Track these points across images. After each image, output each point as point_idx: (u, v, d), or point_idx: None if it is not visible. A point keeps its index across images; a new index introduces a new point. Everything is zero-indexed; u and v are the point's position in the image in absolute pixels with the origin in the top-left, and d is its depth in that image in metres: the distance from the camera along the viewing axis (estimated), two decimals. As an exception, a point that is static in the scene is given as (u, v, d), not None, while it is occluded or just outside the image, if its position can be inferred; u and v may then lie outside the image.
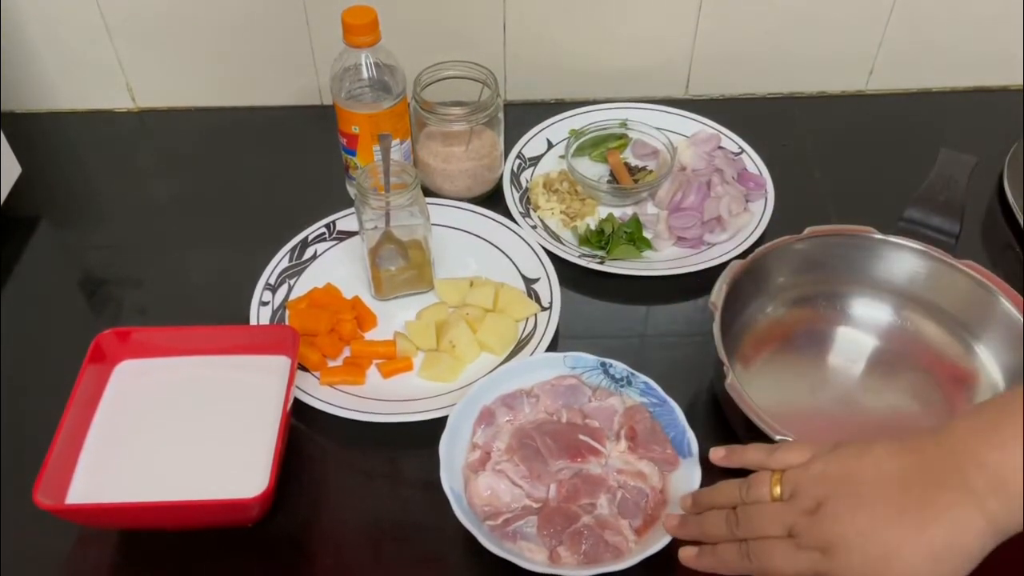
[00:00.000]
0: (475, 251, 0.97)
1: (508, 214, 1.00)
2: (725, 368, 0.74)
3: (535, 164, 1.07)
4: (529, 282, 0.93)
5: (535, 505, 0.73)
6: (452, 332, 0.86)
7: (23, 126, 1.13)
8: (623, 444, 0.76)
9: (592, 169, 1.06)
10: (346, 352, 0.88)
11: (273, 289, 0.92)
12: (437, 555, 0.74)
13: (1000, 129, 1.09)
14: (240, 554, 0.73)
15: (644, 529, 0.71)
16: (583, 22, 1.10)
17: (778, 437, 0.69)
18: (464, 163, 1.00)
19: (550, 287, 0.91)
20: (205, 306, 0.93)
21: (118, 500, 0.71)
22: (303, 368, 0.85)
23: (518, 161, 1.07)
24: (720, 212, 0.98)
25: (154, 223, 1.03)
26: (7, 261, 0.97)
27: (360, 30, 0.88)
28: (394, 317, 0.91)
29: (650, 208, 1.02)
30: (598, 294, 0.94)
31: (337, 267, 0.95)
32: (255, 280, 0.92)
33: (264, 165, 1.09)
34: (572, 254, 0.96)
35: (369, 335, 0.90)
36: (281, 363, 0.81)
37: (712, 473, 0.74)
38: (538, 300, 0.91)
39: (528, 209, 1.02)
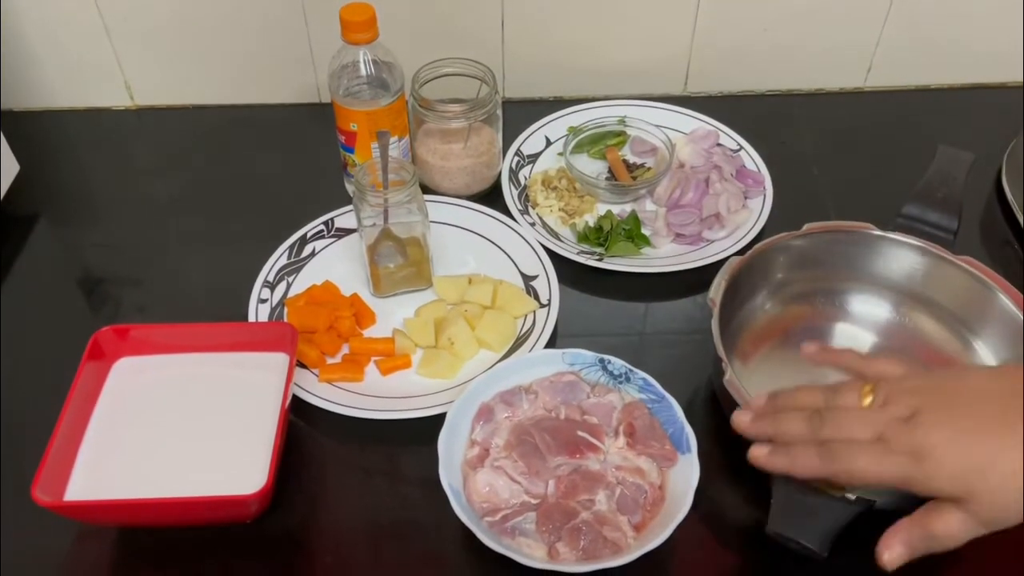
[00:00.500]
0: (474, 248, 0.97)
1: (507, 211, 1.00)
2: (723, 364, 0.74)
3: (533, 161, 1.07)
4: (528, 279, 0.93)
5: (534, 501, 0.73)
6: (451, 329, 0.86)
7: (22, 124, 1.13)
8: (622, 440, 0.76)
9: (591, 166, 1.06)
10: (345, 349, 0.88)
11: (271, 286, 0.92)
12: (436, 552, 0.74)
13: (998, 126, 1.09)
14: (239, 551, 0.73)
15: (643, 525, 0.71)
16: (582, 19, 1.10)
17: (776, 433, 0.69)
18: (462, 160, 1.00)
19: (549, 284, 0.91)
20: (204, 304, 0.93)
21: (116, 497, 0.71)
22: (302, 365, 0.85)
23: (517, 158, 1.07)
24: (719, 209, 0.98)
25: (153, 221, 1.03)
26: (6, 259, 0.97)
27: (358, 27, 0.88)
28: (393, 314, 0.91)
29: (649, 205, 1.02)
30: (597, 291, 0.94)
31: (336, 264, 0.95)
32: (253, 277, 0.92)
33: (262, 162, 1.09)
34: (571, 251, 0.96)
35: (368, 332, 0.90)
36: (280, 360, 0.81)
37: (712, 469, 0.75)
38: (537, 297, 0.91)
39: (527, 206, 1.02)
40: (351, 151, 0.97)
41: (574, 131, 1.06)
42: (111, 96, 1.16)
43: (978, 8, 1.11)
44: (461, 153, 1.00)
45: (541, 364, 0.81)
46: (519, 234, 0.97)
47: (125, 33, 1.10)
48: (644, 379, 0.79)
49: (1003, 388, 0.56)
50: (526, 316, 0.90)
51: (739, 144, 1.07)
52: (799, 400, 0.62)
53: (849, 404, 0.60)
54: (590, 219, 1.00)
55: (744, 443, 0.76)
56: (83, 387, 0.77)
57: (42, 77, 1.13)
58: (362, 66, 0.92)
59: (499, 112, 1.00)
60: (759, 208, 1.00)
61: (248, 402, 0.78)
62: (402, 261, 0.90)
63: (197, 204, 1.05)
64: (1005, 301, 0.80)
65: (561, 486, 0.73)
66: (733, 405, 0.73)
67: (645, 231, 0.99)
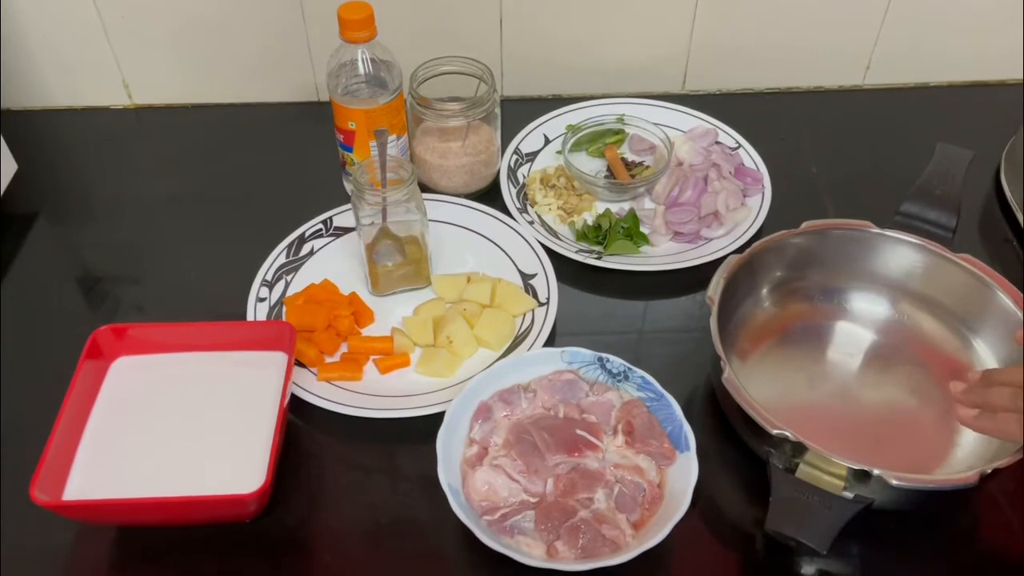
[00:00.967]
0: (472, 247, 0.97)
1: (505, 210, 1.00)
2: (722, 363, 0.74)
3: (532, 160, 1.07)
4: (526, 278, 0.93)
5: (532, 500, 0.73)
6: (449, 328, 0.86)
7: (20, 123, 1.13)
8: (620, 439, 0.76)
9: (589, 164, 1.06)
10: (343, 348, 0.88)
11: (270, 285, 0.92)
12: (435, 550, 0.74)
13: (997, 123, 1.09)
14: (238, 549, 0.73)
15: (642, 523, 0.71)
16: (580, 17, 1.10)
17: (775, 431, 0.69)
18: (461, 159, 1.00)
19: (547, 282, 0.91)
20: (202, 302, 0.93)
21: (115, 496, 0.71)
22: (300, 364, 0.85)
23: (515, 157, 1.07)
24: (717, 207, 0.98)
25: (151, 220, 1.03)
26: (4, 258, 0.97)
27: (356, 25, 0.88)
28: (391, 313, 0.91)
29: (647, 203, 1.02)
30: (595, 289, 0.94)
31: (334, 263, 0.95)
32: (252, 276, 0.92)
33: (261, 161, 1.09)
34: (569, 249, 0.95)
35: (366, 331, 0.90)
36: (278, 359, 0.81)
37: (711, 467, 0.75)
38: (535, 296, 0.91)
39: (525, 205, 1.02)
40: (349, 150, 0.97)
41: (573, 129, 1.06)
42: (109, 95, 1.15)
43: (976, 6, 1.11)
44: (459, 151, 0.99)
45: (540, 363, 0.81)
46: (518, 232, 0.97)
47: (123, 32, 1.09)
48: (643, 377, 0.79)
49: None
50: (525, 315, 0.90)
51: (737, 142, 1.07)
52: (1010, 377, 0.68)
53: None
54: (589, 217, 1.00)
55: (742, 444, 0.77)
56: (81, 386, 0.77)
57: (40, 76, 1.13)
58: (360, 64, 0.92)
59: (497, 110, 1.00)
60: (758, 206, 1.00)
61: (247, 401, 0.78)
62: (401, 260, 0.90)
63: (195, 203, 1.05)
64: (1004, 299, 0.80)
65: (560, 484, 0.73)
66: (732, 403, 0.73)
67: (644, 229, 0.99)
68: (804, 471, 0.70)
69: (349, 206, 0.96)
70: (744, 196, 1.01)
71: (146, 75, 1.14)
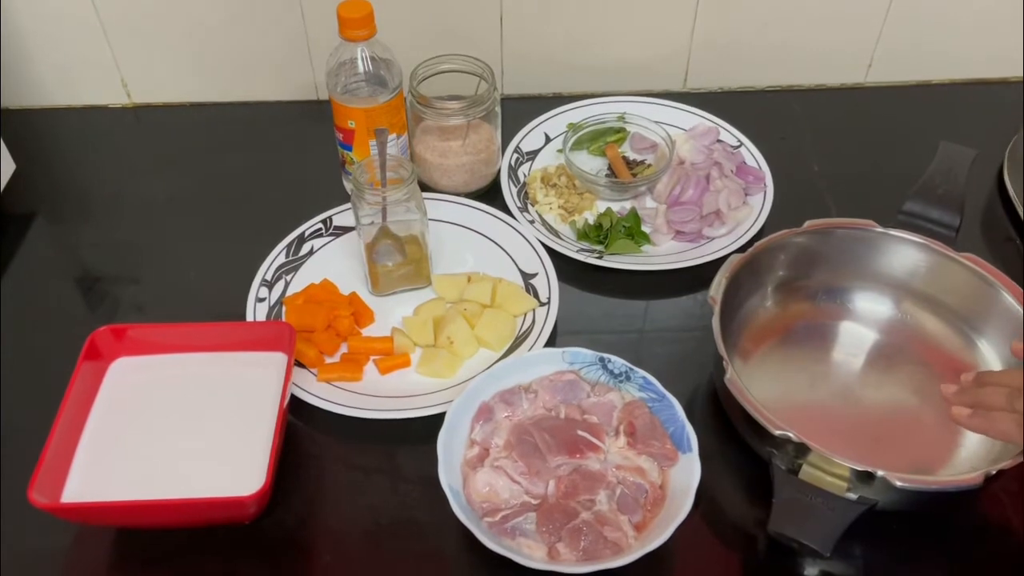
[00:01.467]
0: (473, 246, 0.96)
1: (506, 209, 0.99)
2: (724, 363, 0.73)
3: (533, 158, 1.07)
4: (527, 277, 0.93)
5: (534, 501, 0.72)
6: (450, 328, 0.86)
7: (18, 122, 1.12)
8: (622, 440, 0.75)
9: (590, 163, 1.06)
10: (343, 348, 0.87)
11: (269, 285, 0.92)
12: (436, 552, 0.74)
13: (999, 121, 1.09)
14: (238, 551, 0.73)
15: (644, 525, 0.71)
16: (581, 15, 1.10)
17: (778, 432, 0.69)
18: (461, 158, 0.99)
19: (548, 282, 0.91)
20: (202, 302, 0.93)
21: (114, 498, 0.70)
22: (300, 364, 0.84)
23: (516, 155, 1.06)
24: (719, 206, 0.98)
25: (150, 219, 1.02)
26: (2, 258, 0.97)
27: (356, 24, 0.88)
28: (391, 313, 0.91)
29: (649, 202, 1.02)
30: (596, 289, 0.94)
31: (334, 263, 0.94)
32: (251, 276, 0.92)
33: (260, 160, 1.08)
34: (570, 249, 0.95)
35: (366, 331, 0.89)
36: (278, 359, 0.80)
37: (713, 468, 0.74)
38: (536, 295, 0.91)
39: (526, 204, 1.01)
40: (349, 149, 0.96)
41: (573, 128, 1.06)
42: (108, 94, 1.15)
43: (978, 4, 1.10)
44: (460, 150, 0.99)
45: (541, 363, 0.81)
46: (518, 232, 0.96)
47: (122, 31, 1.09)
48: (644, 378, 0.78)
49: None
50: (526, 314, 0.90)
51: (739, 140, 1.07)
52: (1004, 379, 0.69)
53: None
54: (590, 216, 1.00)
55: (744, 444, 0.76)
56: (80, 387, 0.76)
57: (39, 75, 1.12)
58: (360, 63, 0.91)
59: (498, 109, 1.00)
60: (759, 205, 0.99)
61: (246, 402, 0.77)
62: (401, 259, 0.90)
63: (194, 202, 1.04)
64: (1008, 298, 0.80)
65: (561, 486, 0.72)
66: (734, 404, 0.73)
67: (645, 228, 0.98)
68: (807, 472, 0.70)
69: (349, 205, 0.96)
70: (746, 195, 1.01)
71: (145, 74, 1.14)
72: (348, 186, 1.00)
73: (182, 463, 0.73)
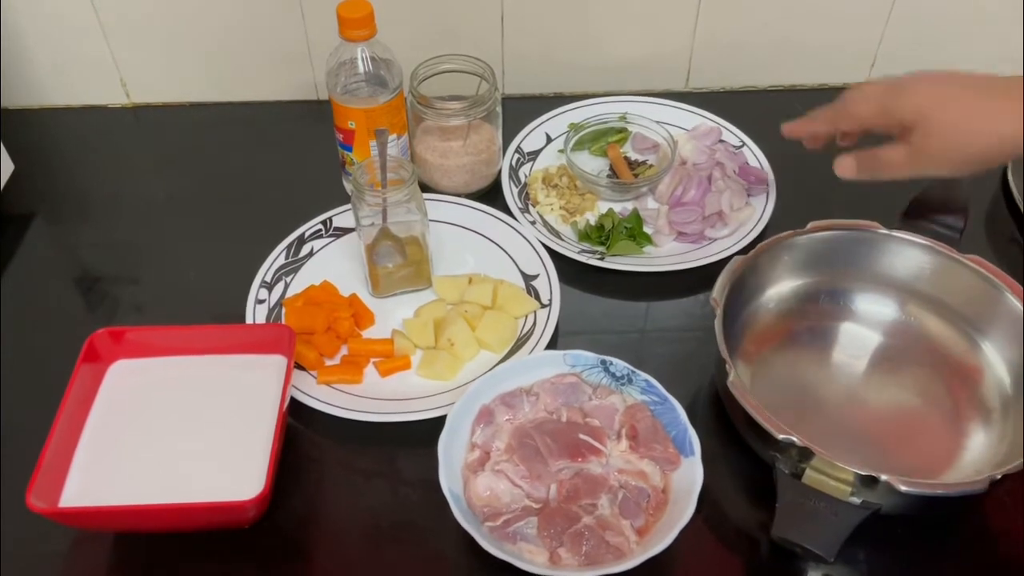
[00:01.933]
0: (473, 247, 0.96)
1: (507, 210, 0.99)
2: (727, 366, 0.73)
3: (534, 159, 1.06)
4: (528, 279, 0.92)
5: (535, 506, 0.72)
6: (450, 330, 0.86)
7: (17, 123, 1.12)
8: (624, 443, 0.75)
9: (592, 163, 1.05)
10: (343, 351, 0.87)
11: (269, 287, 0.91)
12: (436, 556, 0.73)
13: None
14: (237, 555, 0.73)
15: (646, 529, 0.70)
16: (582, 14, 1.09)
17: (781, 436, 0.68)
18: (462, 158, 0.99)
19: (549, 284, 0.90)
20: (201, 303, 0.92)
21: (113, 503, 0.70)
22: (300, 367, 0.84)
23: (517, 156, 1.06)
24: (721, 207, 0.97)
25: (149, 219, 1.02)
26: (2, 259, 0.96)
27: (356, 24, 0.87)
28: (392, 315, 0.90)
29: (650, 203, 1.01)
30: (598, 290, 0.93)
31: (334, 264, 0.94)
32: (251, 277, 0.91)
33: (260, 161, 1.08)
34: (572, 250, 0.94)
35: (367, 333, 0.89)
36: (277, 362, 0.80)
37: (715, 472, 0.74)
38: (537, 297, 0.90)
39: (527, 204, 1.01)
40: (349, 149, 0.96)
41: (575, 128, 1.05)
42: (107, 94, 1.15)
43: (980, 3, 1.09)
44: (460, 151, 0.98)
45: (542, 365, 0.80)
46: (519, 233, 0.96)
47: (121, 30, 1.08)
48: (646, 381, 0.78)
49: (977, 82, 0.74)
50: (527, 316, 0.89)
51: (742, 140, 1.06)
52: (864, 94, 0.79)
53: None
54: (591, 217, 0.99)
55: (746, 447, 0.76)
56: (78, 390, 0.76)
57: (37, 75, 1.12)
58: (360, 63, 0.91)
59: (499, 109, 0.99)
60: (762, 206, 0.99)
61: (246, 405, 0.77)
62: (401, 261, 0.89)
63: (194, 203, 1.04)
64: (1013, 300, 0.79)
65: (563, 490, 0.72)
66: (736, 407, 0.72)
67: (647, 229, 0.98)
68: (811, 476, 0.69)
69: (349, 206, 0.95)
70: (748, 195, 1.00)
71: (144, 74, 1.13)
72: (348, 187, 1.00)
73: (181, 467, 0.73)
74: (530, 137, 1.08)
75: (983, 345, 0.82)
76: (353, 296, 0.91)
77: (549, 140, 1.08)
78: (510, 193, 1.00)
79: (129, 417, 0.76)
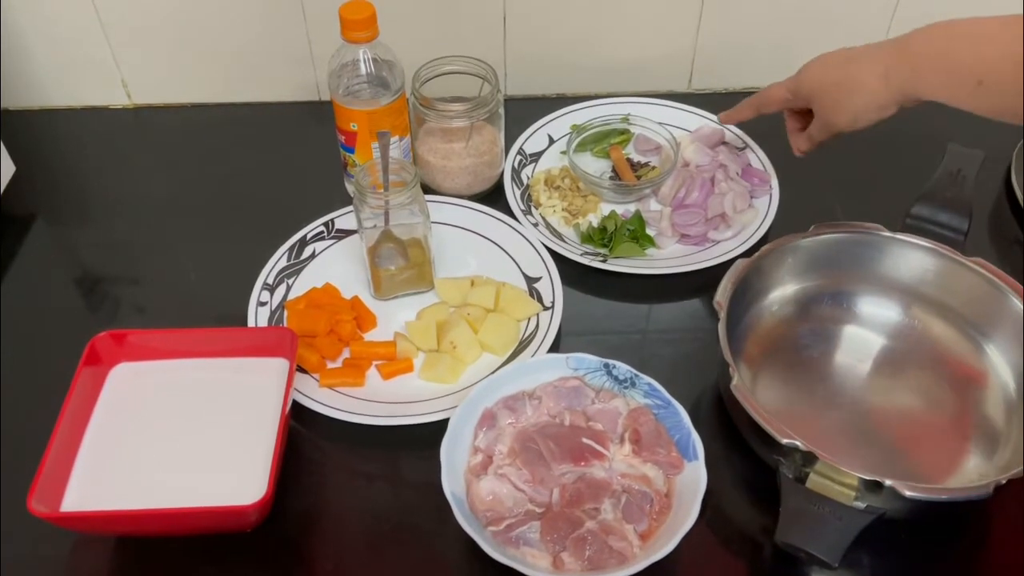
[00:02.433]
0: (476, 250, 0.96)
1: (509, 212, 0.98)
2: (731, 369, 0.73)
3: (536, 160, 1.06)
4: (531, 281, 0.92)
5: (538, 510, 0.72)
6: (453, 332, 0.85)
7: (18, 124, 1.12)
8: (627, 447, 0.75)
9: (594, 165, 1.05)
10: (345, 353, 0.86)
11: (271, 289, 0.91)
12: (438, 560, 0.73)
13: (1007, 123, 1.07)
14: (240, 559, 0.72)
15: (649, 534, 0.70)
16: (584, 15, 1.09)
17: (784, 440, 0.68)
18: (464, 160, 0.98)
19: (552, 286, 0.90)
20: (203, 305, 0.92)
21: (114, 507, 0.70)
22: (302, 370, 0.84)
23: (519, 157, 1.05)
24: (724, 209, 0.97)
25: (151, 221, 1.01)
26: (2, 260, 0.96)
27: (358, 25, 0.87)
28: (394, 317, 0.90)
29: (653, 205, 1.01)
30: (601, 293, 0.93)
31: (336, 266, 0.94)
32: (253, 279, 0.91)
33: (261, 162, 1.08)
34: (574, 252, 0.94)
35: (369, 336, 0.88)
36: (279, 365, 0.79)
37: (719, 476, 0.73)
38: (540, 299, 0.90)
39: (529, 206, 1.00)
40: (351, 151, 0.95)
41: (577, 129, 1.05)
42: (108, 95, 1.14)
43: (983, 5, 1.09)
44: (463, 152, 0.98)
45: (545, 369, 0.80)
46: (522, 235, 0.95)
47: (122, 31, 1.08)
48: (650, 384, 0.77)
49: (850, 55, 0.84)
50: (529, 319, 0.89)
51: (744, 142, 1.06)
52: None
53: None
54: (594, 219, 0.99)
55: (750, 450, 0.76)
56: (80, 393, 0.75)
57: (38, 76, 1.12)
58: (362, 65, 0.90)
59: (501, 110, 0.99)
60: (765, 208, 0.99)
61: (247, 408, 0.77)
62: (403, 263, 0.89)
63: (195, 204, 1.03)
64: (1017, 303, 0.79)
65: (566, 494, 0.72)
66: (740, 410, 0.72)
67: (650, 231, 0.97)
68: (814, 481, 0.69)
69: (351, 208, 0.95)
70: (752, 198, 1.00)
71: (145, 74, 1.13)
72: (350, 189, 0.99)
73: (182, 470, 0.73)
74: (532, 139, 1.07)
75: (987, 348, 0.82)
76: (355, 298, 0.90)
77: (551, 142, 1.08)
78: (512, 195, 1.00)
79: (131, 420, 0.76)
